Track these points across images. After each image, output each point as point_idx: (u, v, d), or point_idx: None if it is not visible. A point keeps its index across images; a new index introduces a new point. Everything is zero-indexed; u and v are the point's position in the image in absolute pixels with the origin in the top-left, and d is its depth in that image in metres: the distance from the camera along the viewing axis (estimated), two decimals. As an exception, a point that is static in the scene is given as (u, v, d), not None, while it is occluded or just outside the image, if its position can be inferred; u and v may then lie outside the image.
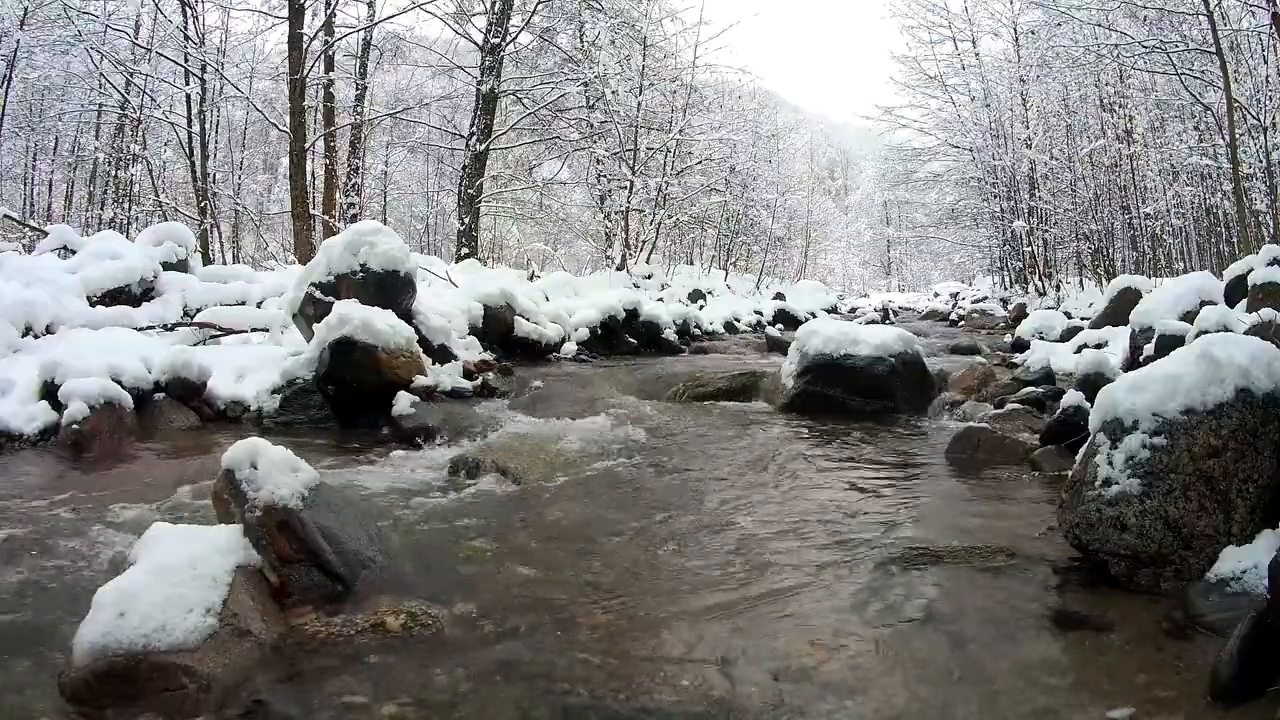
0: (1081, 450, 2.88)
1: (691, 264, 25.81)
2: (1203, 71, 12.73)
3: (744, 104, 26.01)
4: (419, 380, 5.67)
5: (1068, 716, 1.88)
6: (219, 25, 17.46)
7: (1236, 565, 2.33)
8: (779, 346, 10.30)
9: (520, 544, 3.12)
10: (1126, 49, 13.72)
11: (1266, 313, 4.49)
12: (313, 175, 16.43)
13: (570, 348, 9.42)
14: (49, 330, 6.39)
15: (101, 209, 17.81)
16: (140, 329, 6.94)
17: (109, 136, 18.21)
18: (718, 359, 10.14)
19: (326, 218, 15.20)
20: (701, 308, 16.52)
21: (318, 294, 6.55)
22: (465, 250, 16.14)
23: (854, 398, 5.96)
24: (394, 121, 19.67)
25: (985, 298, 27.46)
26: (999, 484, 3.97)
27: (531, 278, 15.08)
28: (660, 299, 15.50)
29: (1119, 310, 8.91)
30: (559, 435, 4.99)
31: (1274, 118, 12.22)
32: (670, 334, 11.23)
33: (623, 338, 10.45)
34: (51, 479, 4.12)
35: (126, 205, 17.87)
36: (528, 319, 9.07)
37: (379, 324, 5.65)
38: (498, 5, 16.35)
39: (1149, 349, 5.41)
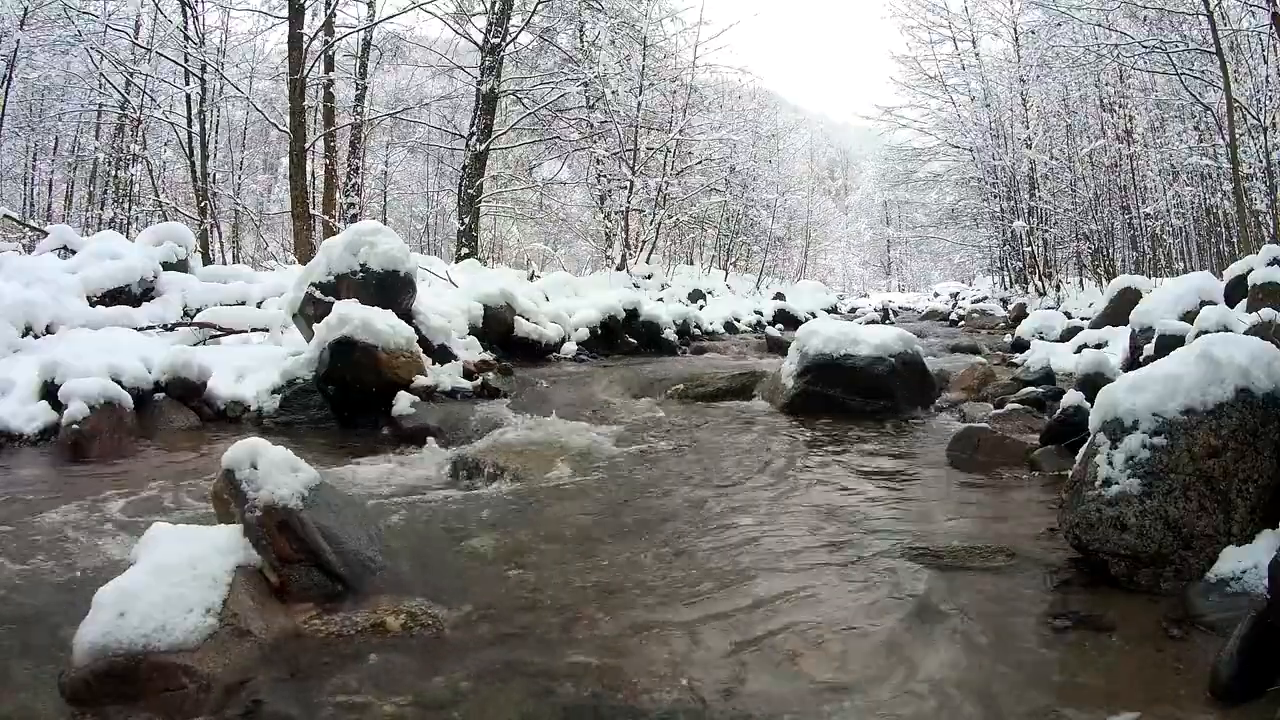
0: (1081, 450, 2.88)
1: (691, 264, 25.81)
2: (1203, 71, 12.73)
3: (744, 104, 26.02)
4: (419, 380, 5.67)
5: (1068, 716, 1.88)
6: (219, 25, 17.49)
7: (1236, 565, 2.33)
8: (779, 346, 10.30)
9: (520, 544, 3.12)
10: (1126, 49, 13.72)
11: (1266, 313, 4.49)
12: (313, 175, 16.43)
13: (570, 348, 9.43)
14: (49, 330, 6.39)
15: (101, 209, 17.81)
16: (140, 329, 6.95)
17: (109, 136, 18.21)
18: (718, 359, 10.14)
19: (326, 218, 15.20)
20: (701, 308, 16.52)
21: (318, 294, 6.55)
22: (465, 250, 16.14)
23: (854, 398, 5.96)
24: (394, 121, 19.67)
25: (985, 298, 27.48)
26: (999, 484, 3.97)
27: (531, 278, 15.09)
28: (660, 299, 15.51)
29: (1119, 310, 8.91)
30: (559, 435, 5.00)
31: (1274, 118, 12.22)
32: (670, 334, 11.23)
33: (623, 338, 10.45)
34: (51, 479, 4.12)
35: (126, 205, 17.87)
36: (528, 319, 9.07)
37: (379, 324, 5.65)
38: (498, 5, 16.35)
39: (1149, 349, 5.41)
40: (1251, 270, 6.34)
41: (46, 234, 9.13)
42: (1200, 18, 11.70)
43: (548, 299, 11.13)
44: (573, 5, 17.98)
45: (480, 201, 17.13)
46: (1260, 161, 12.37)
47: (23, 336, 6.10)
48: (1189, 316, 5.65)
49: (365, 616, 2.34)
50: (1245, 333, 4.24)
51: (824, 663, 2.15)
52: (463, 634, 2.32)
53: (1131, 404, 2.65)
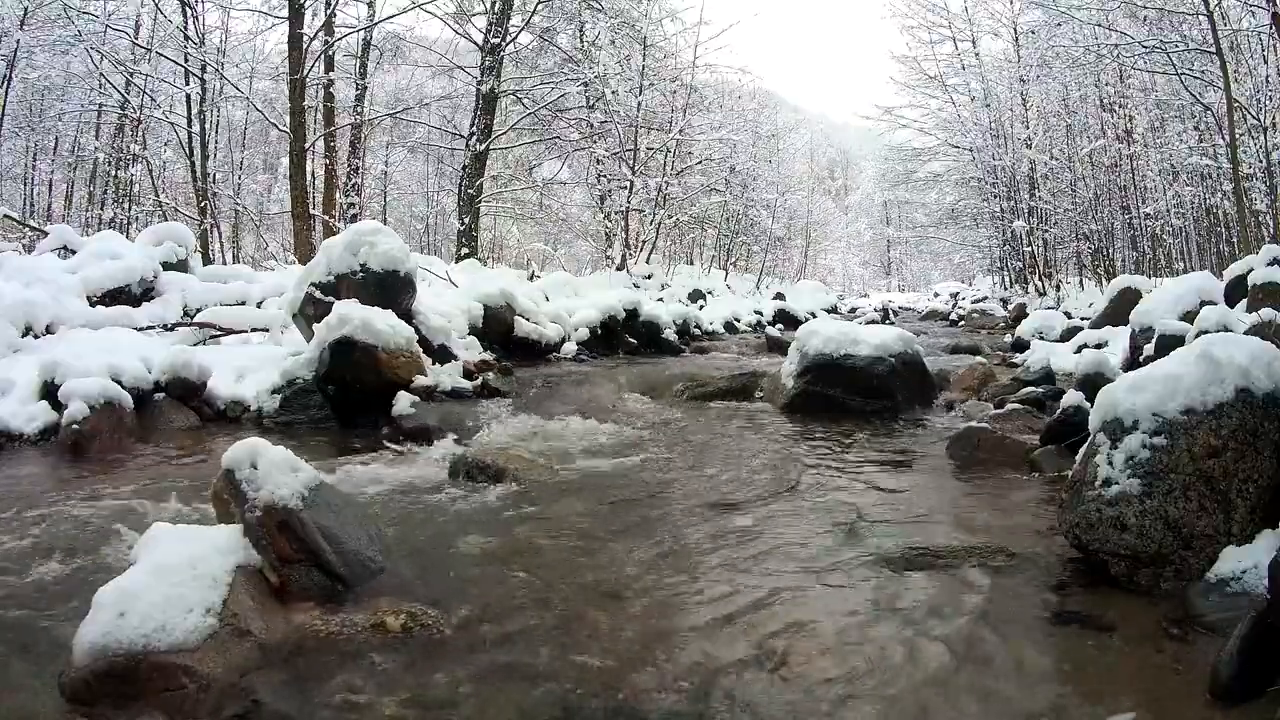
0: (1081, 450, 2.88)
1: (691, 264, 25.81)
2: (1203, 71, 12.73)
3: (744, 104, 26.02)
4: (419, 380, 5.67)
5: (1068, 716, 1.88)
6: (219, 25, 17.50)
7: (1236, 565, 2.33)
8: (779, 346, 10.30)
9: (520, 544, 3.12)
10: (1126, 49, 13.72)
11: (1266, 313, 4.48)
12: (313, 175, 16.43)
13: (570, 348, 9.43)
14: (49, 330, 6.39)
15: (101, 209, 17.81)
16: (140, 329, 6.95)
17: (109, 136, 18.21)
18: (718, 359, 10.14)
19: (326, 218, 15.20)
20: (701, 308, 16.52)
21: (318, 294, 6.56)
22: (465, 250, 16.14)
23: (854, 398, 5.96)
24: (394, 121, 19.67)
25: (985, 298, 27.49)
26: (999, 484, 3.97)
27: (531, 278, 15.09)
28: (660, 299, 15.51)
29: (1119, 310, 8.91)
30: (559, 435, 5.00)
31: (1274, 118, 12.22)
32: (670, 334, 11.23)
33: (623, 338, 10.45)
34: (51, 479, 4.12)
35: (126, 205, 17.87)
36: (528, 319, 9.07)
37: (379, 324, 5.65)
38: (498, 5, 16.35)
39: (1149, 349, 5.40)
40: (1251, 270, 6.34)
41: (46, 234, 9.13)
42: (1200, 18, 11.70)
43: (548, 299, 11.13)
44: (573, 5, 17.98)
45: (480, 201, 17.14)
46: (1260, 161, 12.37)
47: (23, 336, 6.10)
48: (1189, 316, 5.65)
49: (365, 616, 2.34)
50: (1245, 333, 4.24)
51: (824, 662, 2.14)
52: (463, 634, 2.32)
53: (1131, 404, 2.65)
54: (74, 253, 8.15)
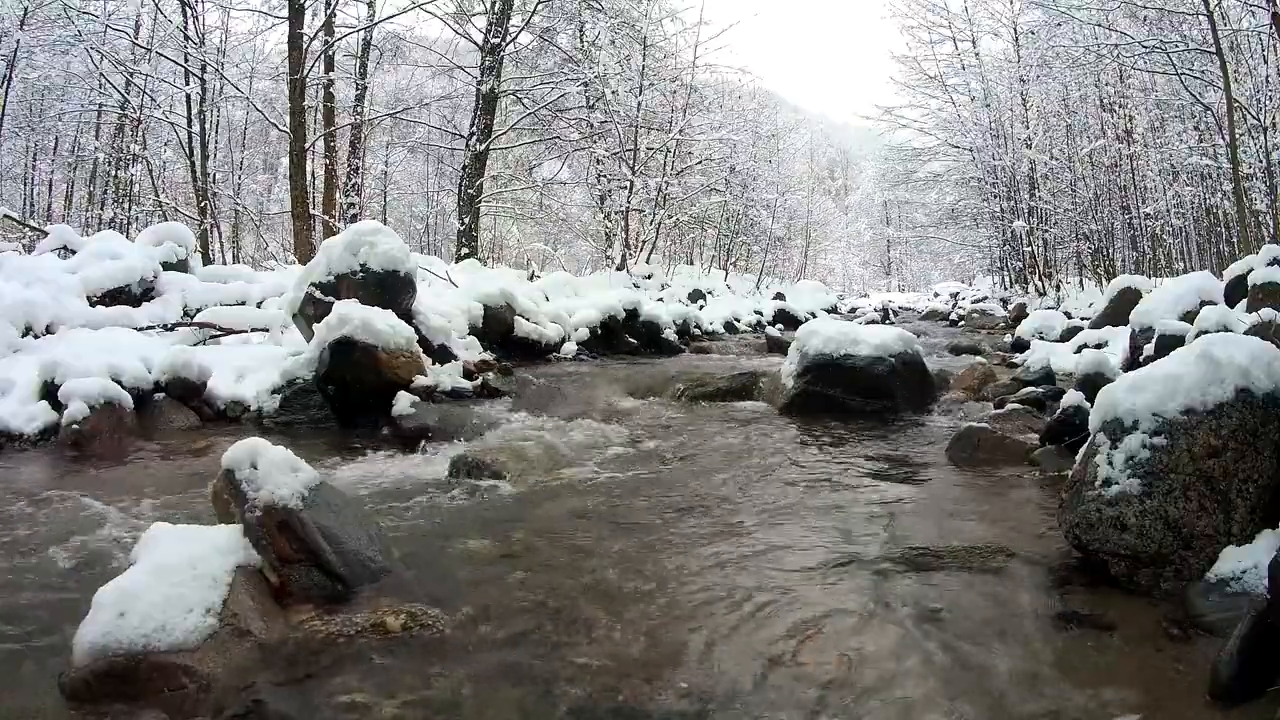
0: (1081, 450, 2.88)
1: (691, 264, 25.80)
2: (1203, 71, 12.73)
3: (744, 104, 26.01)
4: (419, 380, 5.67)
5: (1068, 717, 1.88)
6: (219, 25, 17.49)
7: (1236, 565, 2.33)
8: (779, 346, 10.30)
9: (520, 544, 3.12)
10: (1126, 49, 13.72)
11: (1266, 313, 4.48)
12: (313, 175, 16.43)
13: (570, 348, 9.42)
14: (49, 330, 6.40)
15: (101, 209, 17.81)
16: (140, 329, 6.95)
17: (109, 136, 18.21)
18: (718, 359, 10.15)
19: (326, 218, 15.20)
20: (701, 308, 16.52)
21: (318, 294, 6.55)
22: (465, 250, 16.14)
23: (854, 398, 5.96)
24: (394, 121, 19.67)
25: (985, 298, 27.50)
26: (999, 484, 3.97)
27: (531, 278, 15.08)
28: (660, 299, 15.51)
29: (1119, 310, 8.91)
30: (559, 435, 5.00)
31: (1274, 118, 12.22)
32: (670, 334, 11.23)
33: (623, 338, 10.45)
34: (51, 479, 4.13)
35: (126, 205, 17.87)
36: (528, 319, 9.07)
37: (379, 324, 5.65)
38: (498, 5, 16.35)
39: (1149, 349, 5.40)
40: (1251, 270, 6.34)
41: (46, 234, 9.13)
42: (1200, 18, 11.70)
43: (548, 299, 11.13)
44: (573, 5, 17.98)
45: (480, 201, 17.13)
46: (1260, 161, 12.37)
47: (23, 336, 6.10)
48: (1189, 316, 5.65)
49: (365, 616, 2.34)
50: (1245, 333, 4.24)
51: (823, 663, 2.14)
52: (463, 634, 2.32)
53: (1131, 404, 2.65)
54: (74, 253, 8.15)
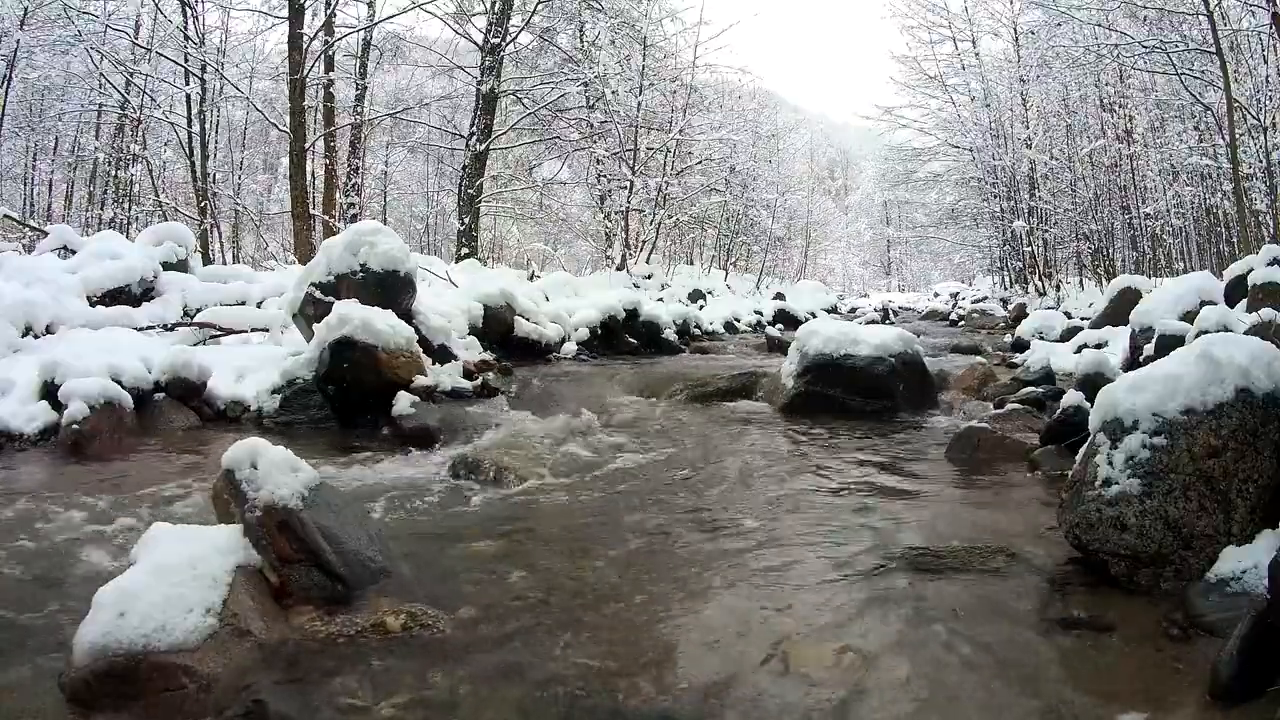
0: (1081, 450, 2.88)
1: (691, 264, 25.81)
2: (1203, 71, 12.73)
3: (744, 104, 26.02)
4: (419, 380, 5.67)
5: (1068, 717, 1.88)
6: (219, 25, 17.48)
7: (1236, 565, 2.33)
8: (779, 346, 10.30)
9: (520, 544, 3.12)
10: (1126, 49, 13.72)
11: (1266, 313, 4.49)
12: (313, 175, 16.42)
13: (570, 348, 9.42)
14: (49, 330, 6.39)
15: (101, 209, 17.81)
16: (140, 329, 6.94)
17: (109, 136, 18.20)
18: (718, 359, 10.15)
19: (326, 218, 15.20)
20: (701, 308, 16.52)
21: (318, 294, 6.55)
22: (465, 250, 16.14)
23: (854, 398, 5.96)
24: (394, 121, 19.66)
25: (985, 298, 27.49)
26: (999, 484, 3.97)
27: (531, 278, 15.08)
28: (660, 299, 15.51)
29: (1119, 310, 8.91)
30: (559, 435, 4.99)
31: (1274, 118, 12.22)
32: (670, 334, 11.23)
33: (623, 338, 10.45)
34: (51, 479, 4.12)
35: (126, 205, 17.86)
36: (528, 319, 9.07)
37: (379, 324, 5.65)
38: (498, 5, 16.35)
39: (1149, 349, 5.40)
40: (1251, 270, 6.34)
41: (46, 234, 9.13)
42: (1200, 18, 11.70)
43: (548, 299, 11.13)
44: (573, 5, 17.97)
45: (480, 201, 17.13)
46: (1260, 161, 12.37)
47: (23, 336, 6.09)
48: (1189, 316, 5.64)
49: (365, 617, 2.34)
50: (1245, 333, 4.24)
51: (824, 663, 2.14)
52: (463, 634, 2.32)
53: (1131, 404, 2.65)
54: (74, 253, 8.14)
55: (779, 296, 22.40)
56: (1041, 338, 10.50)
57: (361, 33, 17.35)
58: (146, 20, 16.88)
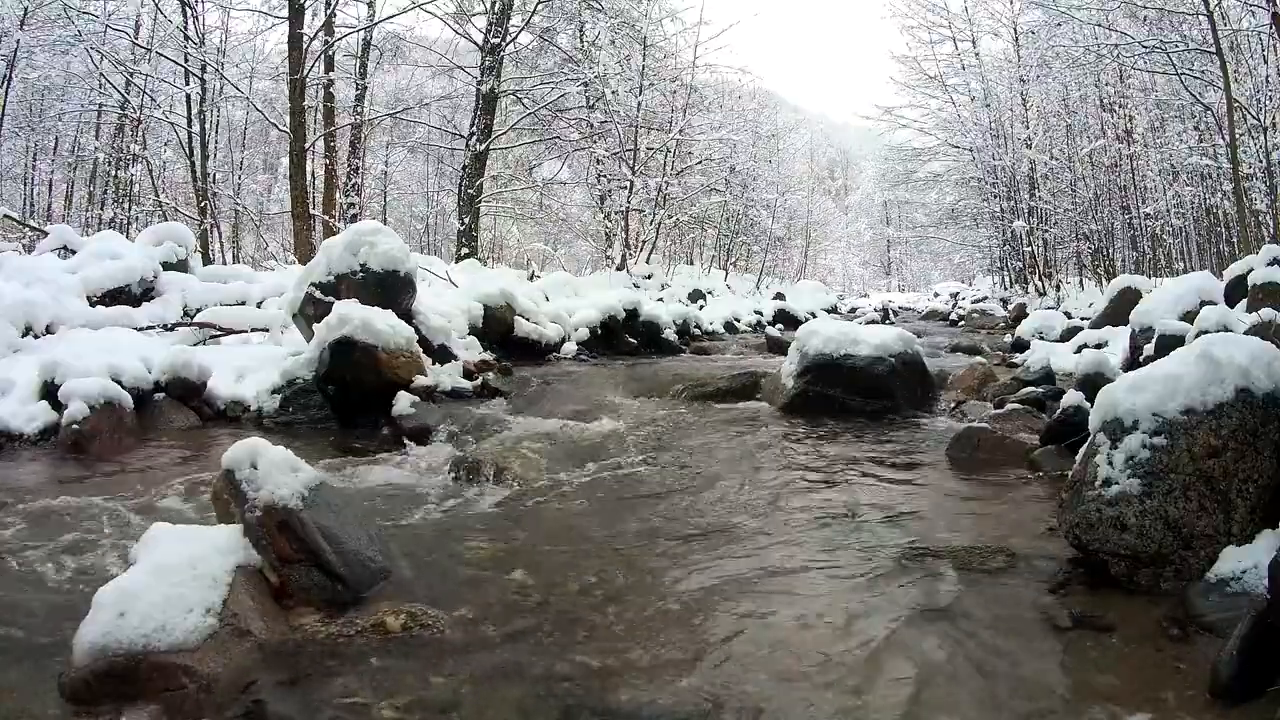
0: (1081, 450, 2.88)
1: (691, 264, 25.81)
2: (1203, 71, 12.73)
3: (744, 104, 26.01)
4: (419, 380, 5.67)
5: (1067, 717, 1.88)
6: (219, 25, 17.48)
7: (1236, 565, 2.33)
8: (779, 346, 10.29)
9: (520, 544, 3.12)
10: (1126, 49, 13.72)
11: (1266, 313, 4.48)
12: (313, 175, 16.42)
13: (570, 348, 9.42)
14: (49, 330, 6.39)
15: (101, 209, 17.81)
16: (140, 329, 6.94)
17: (109, 136, 18.20)
18: (718, 359, 10.14)
19: (326, 218, 15.20)
20: (701, 308, 16.52)
21: (318, 294, 6.55)
22: (465, 250, 16.14)
23: (854, 398, 5.95)
24: (394, 121, 19.66)
25: (985, 298, 27.48)
26: (999, 484, 3.97)
27: (531, 278, 15.08)
28: (660, 299, 15.51)
29: (1119, 310, 8.90)
30: (559, 436, 5.00)
31: (1274, 118, 12.22)
32: (670, 334, 11.22)
33: (623, 338, 10.44)
34: (51, 479, 4.12)
35: (126, 205, 17.86)
36: (528, 319, 9.07)
37: (379, 324, 5.64)
38: (498, 5, 16.35)
39: (1149, 349, 5.40)
40: (1251, 270, 6.34)
41: (46, 234, 9.13)
42: (1200, 18, 11.70)
43: (548, 299, 11.13)
44: (573, 5, 17.97)
45: (480, 201, 17.13)
46: (1260, 161, 12.37)
47: (23, 336, 6.09)
48: (1189, 316, 5.64)
49: (365, 617, 2.34)
50: (1245, 333, 4.24)
51: (824, 663, 2.15)
52: (462, 634, 2.32)
53: (1131, 404, 2.65)
54: (74, 253, 8.14)
55: (779, 296, 22.40)
56: (1041, 338, 10.50)
57: (361, 33, 17.35)
58: (146, 20, 16.88)
